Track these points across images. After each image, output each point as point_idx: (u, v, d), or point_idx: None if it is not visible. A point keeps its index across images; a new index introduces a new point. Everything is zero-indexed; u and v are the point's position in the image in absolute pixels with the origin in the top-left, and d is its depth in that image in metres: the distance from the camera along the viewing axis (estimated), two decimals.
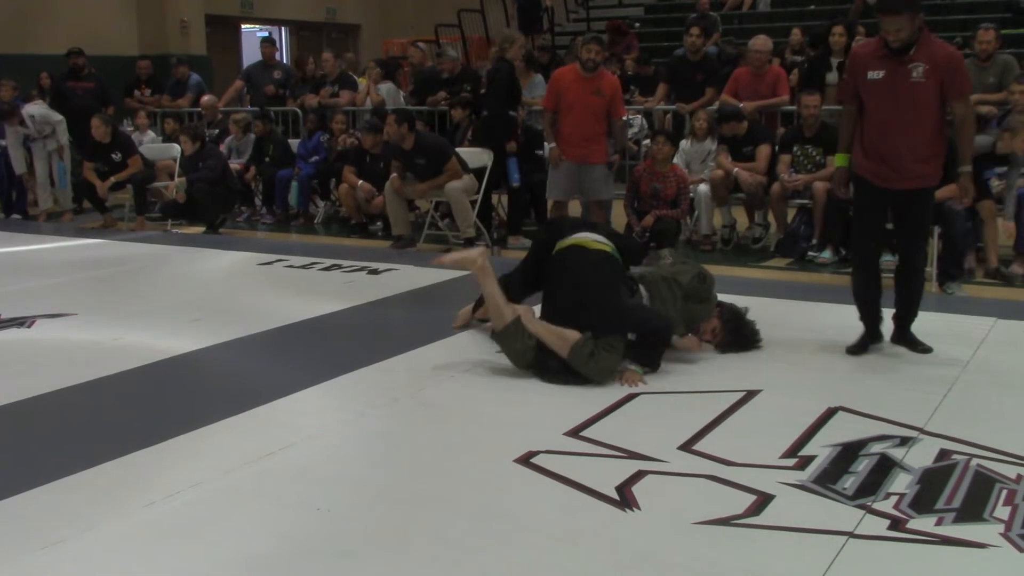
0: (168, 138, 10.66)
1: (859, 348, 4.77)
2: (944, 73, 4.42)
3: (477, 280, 4.71)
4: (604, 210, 7.67)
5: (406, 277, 6.83)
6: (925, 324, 4.77)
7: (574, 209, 7.87)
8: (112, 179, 9.40)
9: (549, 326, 4.47)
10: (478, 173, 8.34)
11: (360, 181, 8.83)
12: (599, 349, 4.33)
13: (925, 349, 4.69)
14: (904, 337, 4.78)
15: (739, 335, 4.84)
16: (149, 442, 3.64)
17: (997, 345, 4.38)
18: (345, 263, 7.37)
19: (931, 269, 6.40)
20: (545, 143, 7.96)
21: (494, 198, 8.92)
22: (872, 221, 4.77)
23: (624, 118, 9.46)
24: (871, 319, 4.81)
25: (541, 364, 4.42)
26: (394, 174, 8.17)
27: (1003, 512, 3.03)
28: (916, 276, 4.76)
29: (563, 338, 4.37)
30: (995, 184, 6.77)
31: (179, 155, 9.72)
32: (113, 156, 9.51)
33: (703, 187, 7.82)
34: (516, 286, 4.86)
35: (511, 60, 8.21)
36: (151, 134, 11.01)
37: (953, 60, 4.50)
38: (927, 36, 4.48)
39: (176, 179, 9.57)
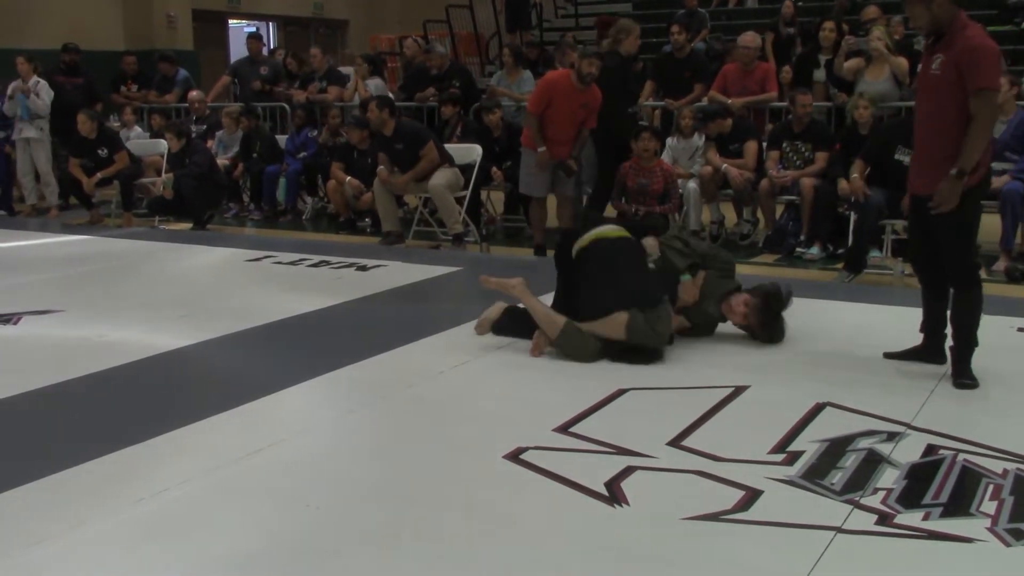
0: (155, 134, 10.62)
1: (896, 353, 4.57)
2: (962, 65, 4.05)
3: (521, 301, 4.84)
4: (572, 204, 7.79)
5: (395, 273, 6.82)
6: (912, 320, 4.78)
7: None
8: (99, 175, 9.36)
9: (546, 308, 4.79)
10: (467, 169, 8.34)
11: (348, 177, 8.81)
12: (652, 320, 4.56)
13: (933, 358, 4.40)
14: (924, 348, 4.48)
15: (768, 315, 4.89)
16: (137, 439, 3.63)
17: (983, 341, 4.40)
18: (333, 259, 7.35)
19: None
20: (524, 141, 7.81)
21: (483, 193, 8.92)
22: (911, 226, 4.55)
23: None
24: (925, 330, 4.53)
25: (606, 349, 4.60)
26: (381, 168, 8.15)
27: (989, 507, 3.05)
28: (955, 296, 4.32)
29: (552, 321, 4.66)
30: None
31: (166, 151, 9.68)
32: (99, 152, 9.47)
33: (692, 183, 7.84)
34: (559, 307, 4.87)
35: (624, 53, 7.57)
36: (138, 130, 10.97)
37: (969, 50, 4.05)
38: (957, 25, 4.10)
39: (163, 175, 9.54)
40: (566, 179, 7.63)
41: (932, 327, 4.52)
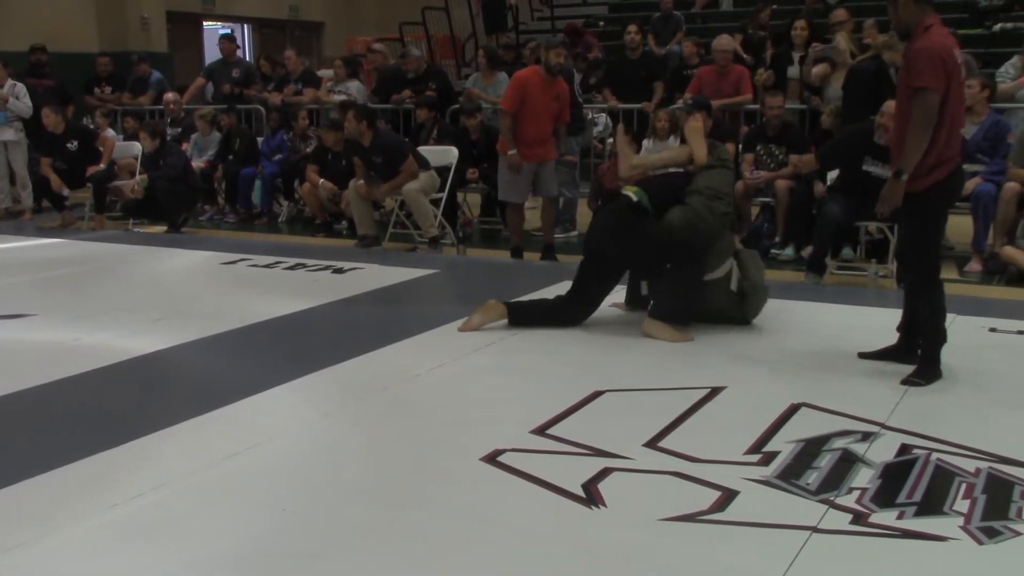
0: (129, 136, 10.55)
1: (871, 353, 4.62)
2: (907, 67, 4.21)
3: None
4: (554, 206, 7.77)
5: (371, 276, 6.81)
6: (886, 320, 4.83)
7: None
8: (93, 170, 9.29)
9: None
10: (443, 171, 8.33)
11: (321, 180, 8.79)
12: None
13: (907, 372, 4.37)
14: (898, 347, 4.56)
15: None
16: (111, 443, 3.60)
17: (956, 341, 4.45)
18: (310, 262, 7.33)
19: (890, 266, 6.51)
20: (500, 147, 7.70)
21: (459, 195, 8.92)
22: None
23: (590, 116, 9.56)
24: (901, 329, 4.59)
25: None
26: (360, 181, 8.08)
27: (962, 505, 3.08)
28: (910, 295, 4.47)
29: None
30: None
31: (140, 153, 9.62)
32: (69, 146, 9.42)
33: None
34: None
35: (887, 60, 6.90)
36: (111, 132, 10.88)
37: (911, 53, 4.20)
38: (919, 29, 4.21)
39: (137, 176, 9.45)
40: (548, 181, 7.59)
41: (908, 326, 4.57)
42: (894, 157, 4.36)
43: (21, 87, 10.08)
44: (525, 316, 5.25)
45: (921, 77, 4.13)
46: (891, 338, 4.62)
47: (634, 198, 5.14)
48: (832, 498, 3.14)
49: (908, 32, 4.25)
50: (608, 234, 5.22)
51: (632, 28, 9.56)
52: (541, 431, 3.73)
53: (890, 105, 6.21)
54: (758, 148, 7.66)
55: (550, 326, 5.18)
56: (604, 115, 10.15)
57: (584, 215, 7.98)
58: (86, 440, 3.65)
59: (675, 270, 5.06)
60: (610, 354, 4.81)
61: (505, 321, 5.19)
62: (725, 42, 8.72)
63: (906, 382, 4.27)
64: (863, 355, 4.64)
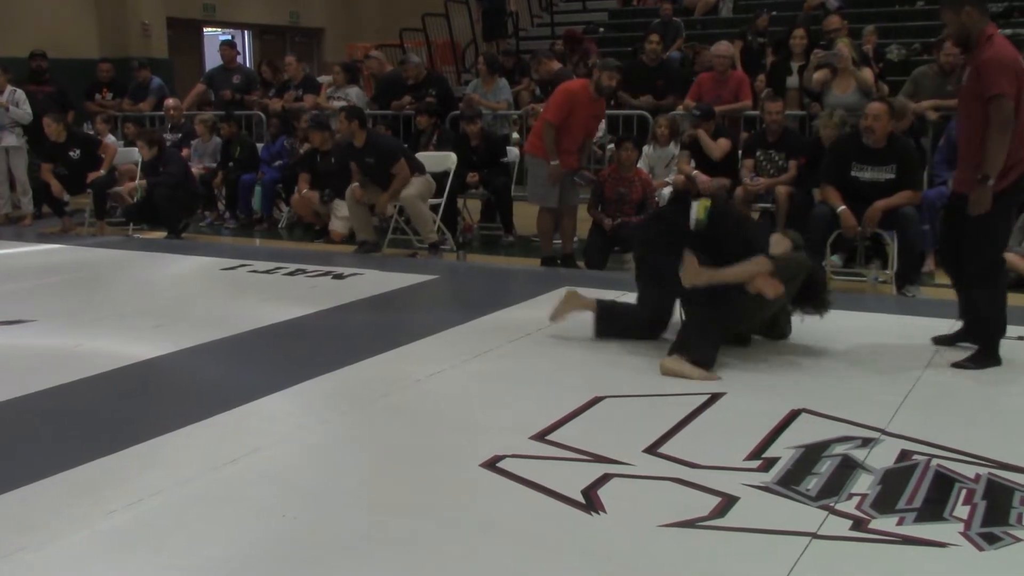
0: (129, 142, 10.56)
1: (945, 336, 4.81)
2: (980, 76, 4.36)
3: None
4: (575, 214, 7.75)
5: (370, 282, 6.81)
6: (886, 326, 4.84)
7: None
8: (93, 176, 9.29)
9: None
10: (442, 177, 8.33)
11: (305, 189, 8.80)
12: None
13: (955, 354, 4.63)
14: (965, 330, 4.76)
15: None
16: (111, 450, 3.60)
17: (956, 346, 4.46)
18: (309, 268, 7.33)
19: (890, 272, 6.51)
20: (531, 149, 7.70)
21: (459, 201, 8.92)
22: (944, 223, 4.88)
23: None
24: (961, 315, 4.79)
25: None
26: (355, 184, 8.08)
27: (962, 511, 3.07)
28: (975, 292, 4.59)
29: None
30: None
31: (140, 159, 9.63)
32: (71, 154, 9.42)
33: (667, 191, 7.88)
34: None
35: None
36: (112, 138, 10.90)
37: (983, 62, 4.37)
38: (983, 38, 4.39)
39: (137, 182, 9.45)
40: (573, 189, 7.60)
41: (966, 310, 4.72)
42: (960, 165, 4.52)
43: (21, 93, 10.10)
44: (611, 327, 5.09)
45: (995, 85, 4.29)
46: (891, 342, 4.63)
47: (693, 222, 4.73)
48: (832, 504, 3.13)
49: (969, 41, 4.40)
50: (647, 239, 5.15)
51: (655, 38, 9.65)
52: (541, 437, 3.73)
53: (873, 107, 6.26)
54: (758, 154, 7.66)
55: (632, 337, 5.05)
56: (602, 121, 10.14)
57: (584, 220, 7.98)
58: (84, 446, 3.64)
59: (706, 310, 4.68)
60: (610, 360, 4.81)
61: (589, 314, 5.11)
62: (723, 48, 8.74)
63: (957, 365, 4.46)
64: (936, 339, 4.79)
